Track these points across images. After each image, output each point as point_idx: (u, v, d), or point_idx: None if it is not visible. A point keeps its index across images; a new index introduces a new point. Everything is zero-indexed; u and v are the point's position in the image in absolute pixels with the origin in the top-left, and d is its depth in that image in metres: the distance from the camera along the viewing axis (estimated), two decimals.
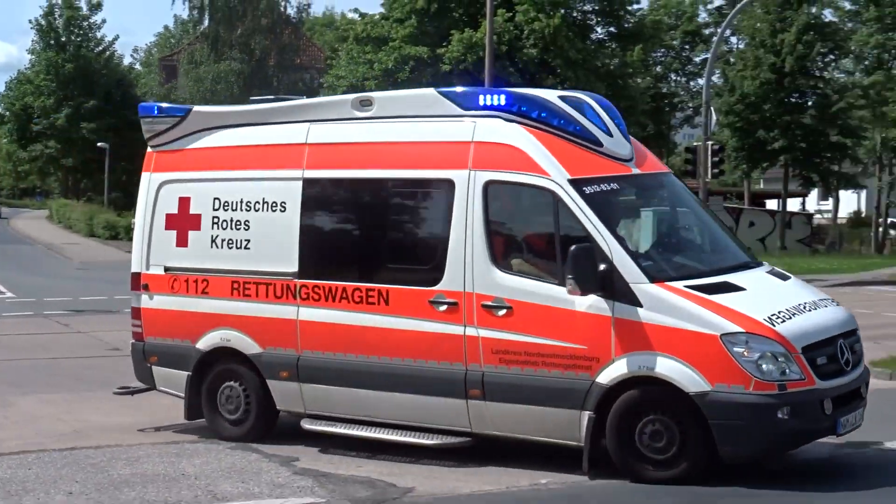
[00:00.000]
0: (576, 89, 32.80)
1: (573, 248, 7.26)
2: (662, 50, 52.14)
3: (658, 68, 52.98)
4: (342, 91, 32.19)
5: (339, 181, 8.67)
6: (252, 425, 8.67)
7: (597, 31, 39.78)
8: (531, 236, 8.32)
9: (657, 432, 7.23)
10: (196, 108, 9.61)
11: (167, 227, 9.11)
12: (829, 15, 47.77)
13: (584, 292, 7.31)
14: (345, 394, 8.27)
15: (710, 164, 25.92)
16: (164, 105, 9.87)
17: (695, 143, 29.29)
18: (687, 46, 54.68)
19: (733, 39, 50.53)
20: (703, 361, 7.18)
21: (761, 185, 54.94)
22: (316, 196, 8.55)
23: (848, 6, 47.13)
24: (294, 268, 8.41)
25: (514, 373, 7.61)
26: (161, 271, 9.11)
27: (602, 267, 7.26)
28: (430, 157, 8.18)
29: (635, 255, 7.53)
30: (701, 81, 41.42)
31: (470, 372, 7.72)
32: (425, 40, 35.52)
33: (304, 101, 9.69)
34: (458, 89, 8.49)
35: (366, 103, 8.46)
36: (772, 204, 49.48)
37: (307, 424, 8.42)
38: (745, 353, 7.08)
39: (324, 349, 8.35)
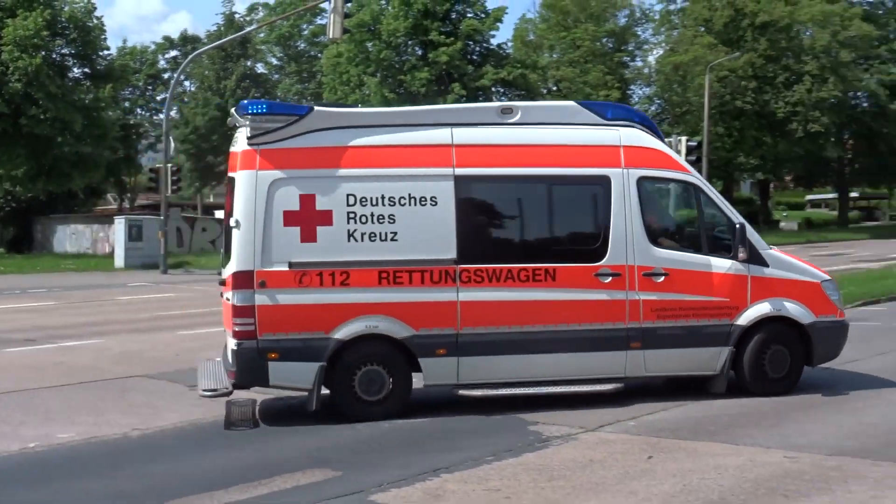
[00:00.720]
0: (56, 120, 42.00)
1: (738, 226, 10.29)
2: (130, 88, 60.94)
3: (126, 103, 61.78)
4: None
5: (495, 177, 10.00)
6: (392, 403, 9.61)
7: (74, 71, 47.12)
8: (678, 219, 11.30)
9: (778, 358, 10.50)
10: (318, 108, 9.85)
11: (287, 224, 9.36)
12: (261, 67, 63.34)
13: (746, 258, 10.32)
14: (506, 360, 9.82)
15: (170, 182, 35.23)
16: (278, 103, 10.02)
17: (157, 165, 38.52)
18: (150, 87, 64.97)
19: (187, 83, 62.42)
20: (811, 301, 10.63)
21: (211, 199, 66.62)
22: (470, 190, 9.88)
23: (275, 62, 63.03)
24: (453, 255, 9.64)
25: (669, 325, 10.12)
26: (285, 267, 9.34)
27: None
28: (585, 157, 10.16)
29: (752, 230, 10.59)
30: (162, 115, 48.53)
31: (631, 328, 10.04)
32: None
33: (445, 106, 11.45)
34: (596, 102, 11.54)
35: (507, 111, 10.18)
36: (220, 213, 60.83)
37: (465, 392, 9.82)
38: (832, 294, 10.86)
39: (486, 324, 9.72)
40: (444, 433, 9.24)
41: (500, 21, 48.61)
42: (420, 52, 48.11)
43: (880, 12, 75.68)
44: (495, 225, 10.43)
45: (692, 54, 56.96)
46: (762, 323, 10.46)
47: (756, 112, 60.46)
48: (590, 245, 10.19)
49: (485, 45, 49.24)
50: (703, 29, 61.83)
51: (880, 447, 8.35)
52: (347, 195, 9.54)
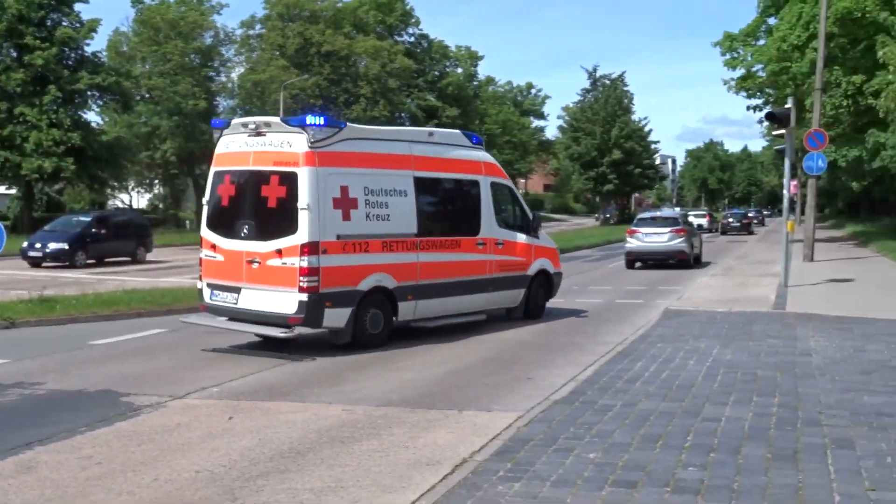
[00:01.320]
0: None
1: (534, 214, 15.00)
2: None
3: None
4: None
5: (432, 179, 12.96)
6: (384, 335, 11.97)
7: None
8: (507, 208, 14.51)
9: (541, 294, 15.06)
10: (350, 124, 11.95)
11: (334, 207, 11.30)
12: None
13: (534, 234, 14.78)
14: (439, 302, 12.81)
15: None
16: (330, 117, 11.74)
17: None
18: None
19: None
20: (552, 259, 15.30)
21: None
22: (421, 187, 12.60)
23: None
24: (415, 230, 12.41)
25: (504, 275, 14.00)
26: (335, 239, 11.26)
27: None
28: (468, 167, 13.67)
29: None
30: None
31: (488, 278, 13.67)
32: None
33: (408, 129, 14.67)
34: (468, 132, 14.19)
35: (431, 134, 13.50)
36: None
37: (420, 324, 12.73)
38: (557, 256, 15.79)
39: (431, 277, 12.54)
40: (40, 409, 8.44)
41: (95, 31, 45.74)
42: (15, 55, 43.82)
43: (418, 50, 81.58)
44: (433, 210, 13.11)
45: (269, 74, 57.24)
46: (538, 273, 14.80)
47: None
48: (473, 223, 13.61)
49: (80, 51, 46.10)
50: (278, 53, 62.34)
51: (416, 397, 8.93)
52: (364, 187, 11.81)
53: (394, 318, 12.23)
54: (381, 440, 7.28)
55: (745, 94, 38.49)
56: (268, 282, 11.36)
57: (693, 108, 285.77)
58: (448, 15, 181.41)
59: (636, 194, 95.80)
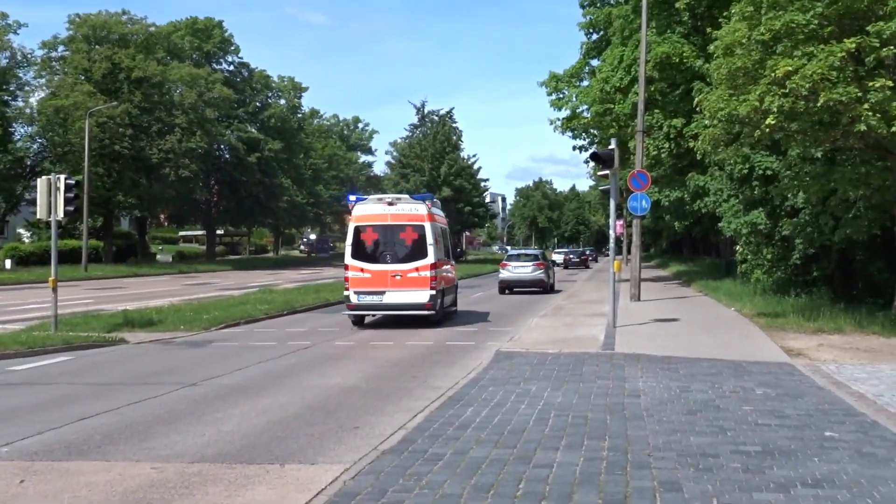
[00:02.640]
0: None
1: (459, 249, 24.97)
2: None
3: None
4: None
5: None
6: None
7: None
8: (443, 242, 23.24)
9: (453, 299, 25.26)
10: (434, 198, 23.12)
11: (434, 243, 21.44)
12: None
13: (455, 260, 26.22)
14: (451, 298, 23.92)
15: None
16: (431, 195, 22.95)
17: None
18: None
19: None
20: (454, 277, 25.84)
21: None
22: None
23: None
24: (443, 256, 22.69)
25: (445, 287, 22.91)
26: (435, 260, 21.46)
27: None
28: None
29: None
30: None
31: (439, 288, 21.60)
32: None
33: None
34: (418, 195, 22.47)
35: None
36: None
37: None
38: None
39: (446, 283, 22.78)
40: None
41: None
42: None
43: (238, 79, 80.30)
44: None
45: (73, 99, 54.64)
46: (454, 286, 24.62)
47: (133, 156, 59.95)
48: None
49: None
50: (83, 77, 59.63)
51: (235, 451, 8.61)
52: (440, 230, 22.62)
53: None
54: (194, 500, 6.96)
55: (570, 134, 40.34)
56: (408, 286, 21.15)
57: (522, 146, 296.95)
58: (270, 44, 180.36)
59: (466, 232, 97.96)
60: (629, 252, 46.09)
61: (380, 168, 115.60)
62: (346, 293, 21.30)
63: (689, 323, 20.82)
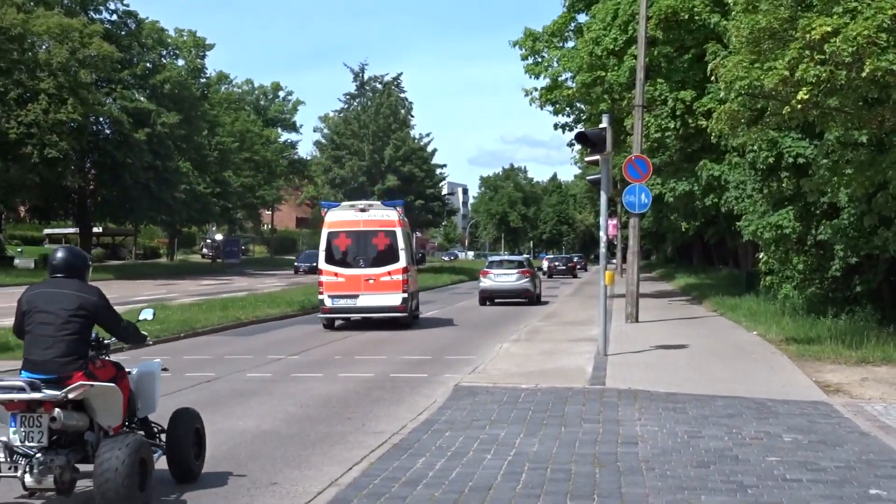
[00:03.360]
0: None
1: (421, 253, 35.16)
2: None
3: None
4: None
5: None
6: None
7: None
8: (409, 247, 29.08)
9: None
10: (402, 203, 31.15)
11: (404, 249, 28.14)
12: None
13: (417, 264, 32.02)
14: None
15: None
16: (402, 201, 32.91)
17: None
18: None
19: None
20: (415, 280, 32.84)
21: None
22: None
23: None
24: (411, 261, 28.90)
25: (412, 289, 29.10)
26: (405, 265, 27.87)
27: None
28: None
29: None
30: None
31: (409, 291, 28.08)
32: None
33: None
34: (388, 201, 31.29)
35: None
36: None
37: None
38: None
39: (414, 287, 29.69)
40: None
41: None
42: None
43: (123, 33, 79.40)
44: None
45: None
46: (417, 291, 31.58)
47: None
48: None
49: None
50: None
51: None
52: (407, 234, 29.43)
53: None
54: None
55: (551, 108, 40.46)
56: (381, 290, 27.37)
57: (489, 124, 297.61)
58: None
59: (417, 233, 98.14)
60: (625, 260, 46.46)
61: (307, 149, 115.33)
62: (320, 297, 28.00)
63: (701, 350, 21.03)
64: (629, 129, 31.39)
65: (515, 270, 40.83)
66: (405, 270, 27.46)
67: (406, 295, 27.52)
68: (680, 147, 35.14)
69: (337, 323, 28.61)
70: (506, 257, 44.20)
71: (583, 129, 22.43)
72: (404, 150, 79.66)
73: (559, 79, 38.79)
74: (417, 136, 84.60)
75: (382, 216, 28.01)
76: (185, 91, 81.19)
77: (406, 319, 28.03)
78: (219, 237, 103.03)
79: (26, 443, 8.26)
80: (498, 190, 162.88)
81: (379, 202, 30.37)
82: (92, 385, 8.36)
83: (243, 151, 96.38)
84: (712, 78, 20.25)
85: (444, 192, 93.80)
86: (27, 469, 8.16)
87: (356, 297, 27.53)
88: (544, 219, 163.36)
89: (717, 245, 62.55)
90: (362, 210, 28.21)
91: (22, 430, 8.26)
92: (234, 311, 31.49)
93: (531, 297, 40.45)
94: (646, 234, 67.83)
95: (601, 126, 20.01)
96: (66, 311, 8.49)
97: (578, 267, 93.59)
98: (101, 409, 8.56)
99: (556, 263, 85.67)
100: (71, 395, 8.21)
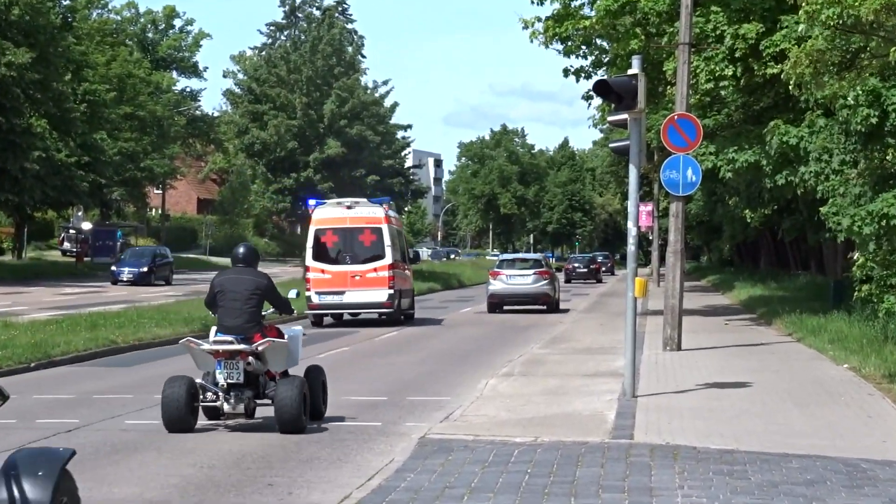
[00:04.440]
0: None
1: (415, 251, 60.71)
2: None
3: None
4: None
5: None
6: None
7: None
8: (399, 244, 44.67)
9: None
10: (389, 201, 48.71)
11: (391, 245, 41.81)
12: None
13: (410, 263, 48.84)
14: (408, 301, 44.52)
15: None
16: (389, 199, 51.99)
17: None
18: None
19: None
20: (411, 279, 49.31)
21: None
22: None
23: None
24: (399, 258, 42.82)
25: (402, 287, 42.36)
26: (391, 261, 41.24)
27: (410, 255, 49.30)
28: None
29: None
30: None
31: (395, 288, 40.51)
32: None
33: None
34: (375, 198, 46.67)
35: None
36: None
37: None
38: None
39: (403, 286, 43.20)
40: None
41: None
42: None
43: None
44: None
45: None
46: (410, 290, 46.28)
47: None
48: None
49: None
50: None
51: None
52: (396, 232, 44.05)
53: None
54: None
55: (560, 47, 40.41)
56: (367, 286, 39.71)
57: (473, 70, 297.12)
58: None
59: None
60: (663, 262, 46.47)
61: (213, 103, 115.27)
62: (307, 294, 37.98)
63: (769, 391, 21.11)
64: (670, 77, 31.45)
65: (532, 271, 47.67)
66: (391, 267, 39.54)
67: (392, 291, 39.47)
68: (742, 103, 35.23)
69: (325, 321, 41.91)
70: (520, 256, 53.80)
71: (605, 77, 22.43)
72: (352, 105, 79.12)
73: (572, 4, 38.82)
74: (371, 85, 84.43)
75: (369, 213, 40.59)
76: (39, 18, 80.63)
77: (393, 316, 40.35)
78: (87, 226, 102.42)
79: (228, 381, 16.60)
80: (485, 161, 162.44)
81: (366, 199, 44.19)
82: (273, 341, 16.78)
83: (123, 104, 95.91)
84: (789, 4, 20.32)
85: (409, 163, 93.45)
86: (225, 399, 16.68)
87: (342, 293, 39.81)
88: (550, 203, 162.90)
89: (795, 243, 62.61)
90: (349, 207, 40.77)
91: (225, 371, 16.62)
92: (106, 331, 31.45)
93: (550, 303, 47.46)
94: (693, 227, 68.19)
95: (631, 72, 20.04)
96: (248, 290, 16.89)
97: (604, 269, 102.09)
98: (273, 359, 16.95)
99: (576, 265, 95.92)
100: (260, 348, 16.60)
